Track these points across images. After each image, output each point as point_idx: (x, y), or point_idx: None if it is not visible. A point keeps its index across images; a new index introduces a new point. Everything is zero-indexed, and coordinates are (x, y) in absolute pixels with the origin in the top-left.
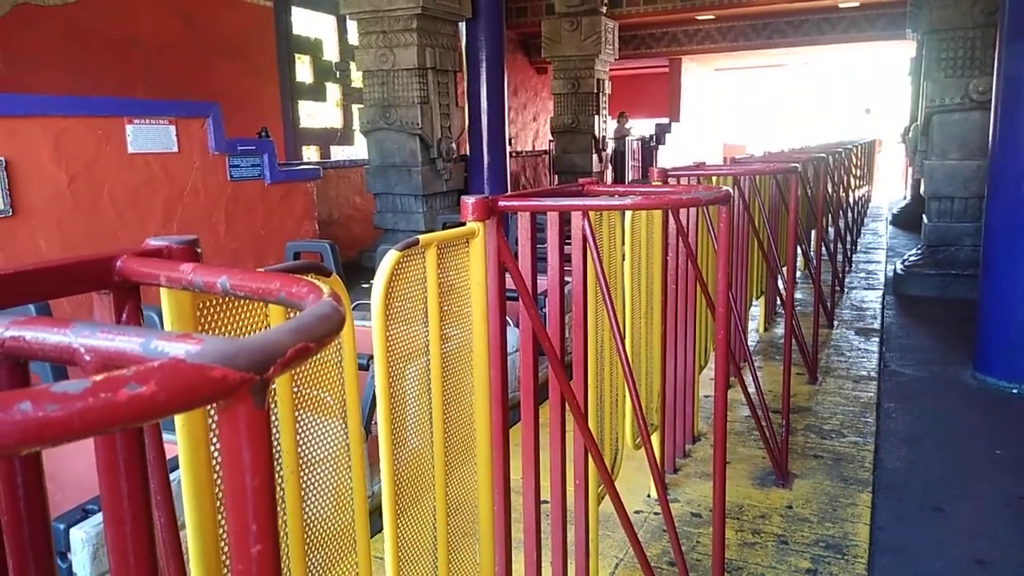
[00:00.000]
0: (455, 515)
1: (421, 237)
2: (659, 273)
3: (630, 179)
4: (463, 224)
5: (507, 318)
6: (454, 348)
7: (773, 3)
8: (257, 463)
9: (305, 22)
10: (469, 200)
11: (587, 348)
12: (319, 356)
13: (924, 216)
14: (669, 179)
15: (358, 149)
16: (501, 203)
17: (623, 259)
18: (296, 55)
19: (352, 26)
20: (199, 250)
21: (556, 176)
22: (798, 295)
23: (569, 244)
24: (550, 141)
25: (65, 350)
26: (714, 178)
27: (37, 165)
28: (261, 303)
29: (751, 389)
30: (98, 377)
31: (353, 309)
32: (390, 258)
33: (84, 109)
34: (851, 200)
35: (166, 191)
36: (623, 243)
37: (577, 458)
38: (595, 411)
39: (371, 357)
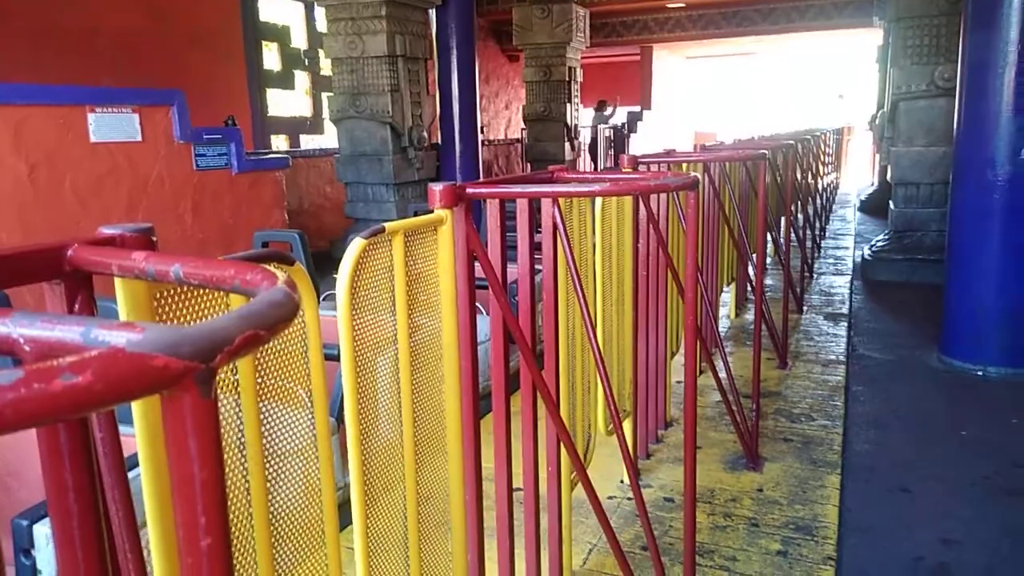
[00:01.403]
0: (426, 505)
1: (387, 224)
2: (630, 260)
3: (602, 167)
4: (432, 212)
5: (477, 306)
6: (423, 337)
7: None
8: (205, 455)
9: (272, 9)
10: (437, 187)
11: (558, 336)
12: (285, 346)
13: (891, 202)
14: (639, 166)
15: (328, 138)
16: (469, 190)
17: (594, 246)
18: (263, 42)
19: (320, 13)
20: (154, 238)
21: (529, 164)
22: (768, 281)
23: (539, 232)
24: (522, 129)
25: (3, 340)
26: (684, 165)
27: None
28: (222, 292)
29: (722, 375)
30: (31, 367)
31: (323, 300)
32: (356, 246)
33: (45, 97)
34: (820, 187)
35: (130, 181)
36: (593, 230)
37: (549, 446)
38: (567, 399)
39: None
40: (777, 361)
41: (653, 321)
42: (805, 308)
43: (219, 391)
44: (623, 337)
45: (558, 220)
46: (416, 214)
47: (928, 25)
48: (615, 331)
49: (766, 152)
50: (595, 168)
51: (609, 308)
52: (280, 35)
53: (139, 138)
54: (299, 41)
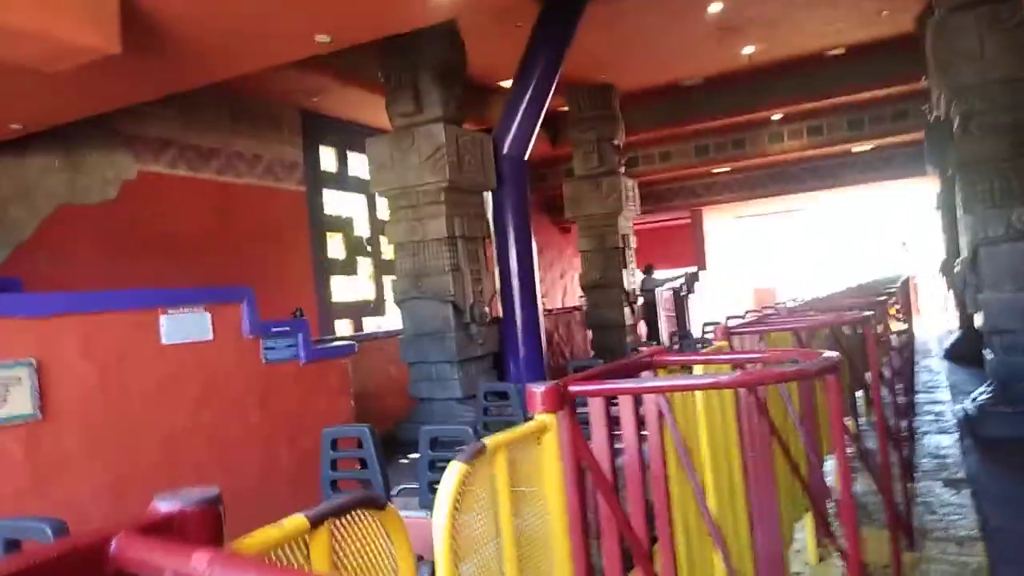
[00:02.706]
0: None
1: (488, 442)
2: (736, 441)
3: (665, 331)
4: (505, 393)
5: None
6: (529, 548)
7: (786, 153)
8: None
9: (336, 202)
10: (538, 390)
11: (674, 534)
12: (368, 559)
13: (986, 351)
14: (732, 337)
15: (390, 319)
16: (572, 389)
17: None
18: (328, 232)
19: (382, 202)
20: (221, 511)
21: (589, 331)
22: (867, 444)
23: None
24: (580, 296)
25: None
26: (772, 334)
27: (68, 363)
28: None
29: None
30: None
31: (397, 495)
32: (456, 472)
33: (117, 304)
34: (898, 339)
35: (199, 379)
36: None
37: None
38: None
39: (421, 557)
40: (904, 540)
41: (767, 508)
42: (917, 474)
43: None
44: (738, 528)
45: (665, 410)
46: (487, 396)
47: (996, 169)
48: (729, 522)
49: (869, 313)
50: (652, 332)
51: (723, 497)
52: (344, 225)
53: (210, 337)
54: (362, 229)
